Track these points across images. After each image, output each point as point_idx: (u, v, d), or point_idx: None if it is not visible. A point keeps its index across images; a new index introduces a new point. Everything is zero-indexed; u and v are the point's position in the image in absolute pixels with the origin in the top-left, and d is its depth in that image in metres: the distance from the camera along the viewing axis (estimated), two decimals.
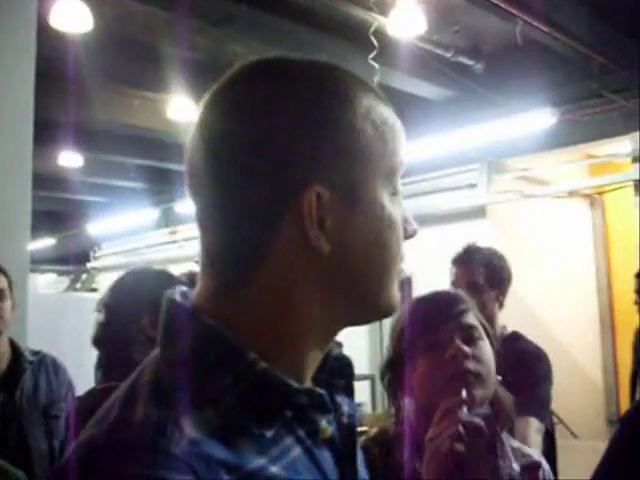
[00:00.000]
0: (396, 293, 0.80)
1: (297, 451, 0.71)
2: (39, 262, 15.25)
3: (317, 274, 0.72)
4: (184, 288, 0.78)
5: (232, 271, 0.73)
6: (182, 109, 6.86)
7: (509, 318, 7.39)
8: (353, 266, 0.74)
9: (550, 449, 2.85)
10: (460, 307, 1.40)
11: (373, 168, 0.75)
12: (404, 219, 0.80)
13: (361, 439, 1.32)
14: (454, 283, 3.06)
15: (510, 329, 3.18)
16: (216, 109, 0.76)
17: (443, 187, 7.96)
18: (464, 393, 1.23)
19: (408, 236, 0.82)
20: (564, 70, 6.18)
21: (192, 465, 0.61)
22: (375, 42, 5.02)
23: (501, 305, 3.09)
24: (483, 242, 7.90)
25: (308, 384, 0.76)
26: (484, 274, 3.08)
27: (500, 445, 1.27)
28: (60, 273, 16.19)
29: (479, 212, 7.83)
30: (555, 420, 6.71)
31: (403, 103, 6.69)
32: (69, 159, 9.05)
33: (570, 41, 5.49)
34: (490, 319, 3.02)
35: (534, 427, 2.71)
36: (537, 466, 1.43)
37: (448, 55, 6.02)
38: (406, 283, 9.45)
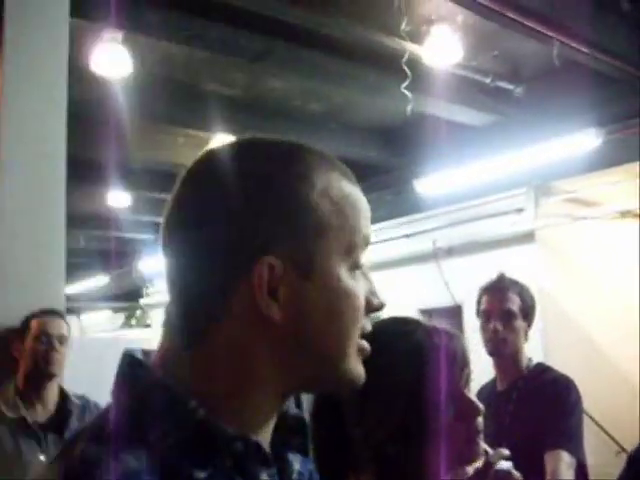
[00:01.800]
0: (356, 366, 0.81)
1: None
2: (95, 299, 15.54)
3: (269, 340, 0.76)
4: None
5: (186, 334, 0.78)
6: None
7: (563, 342, 7.27)
8: (305, 335, 0.77)
9: None
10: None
11: (329, 242, 0.78)
12: (370, 292, 0.83)
13: None
14: (485, 311, 3.00)
15: (535, 360, 3.09)
16: (187, 182, 0.81)
17: (490, 213, 7.88)
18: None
19: (374, 309, 0.84)
20: (607, 89, 6.08)
21: None
22: (408, 71, 5.01)
23: (526, 338, 3.03)
24: (533, 268, 7.83)
25: (261, 441, 0.78)
26: (518, 304, 3.03)
27: None
28: (115, 310, 16.45)
29: (528, 237, 7.72)
30: (606, 437, 6.57)
31: (443, 130, 6.66)
32: (118, 199, 9.22)
33: (611, 59, 5.40)
34: (519, 349, 2.96)
35: (565, 462, 2.63)
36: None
37: (487, 80, 6.00)
38: (456, 312, 9.34)
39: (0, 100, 2.97)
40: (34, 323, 2.84)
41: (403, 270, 9.73)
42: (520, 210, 7.68)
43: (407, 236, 9.23)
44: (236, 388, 0.76)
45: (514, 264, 8.87)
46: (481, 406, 1.24)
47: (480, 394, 3.09)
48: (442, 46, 5.12)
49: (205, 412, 0.73)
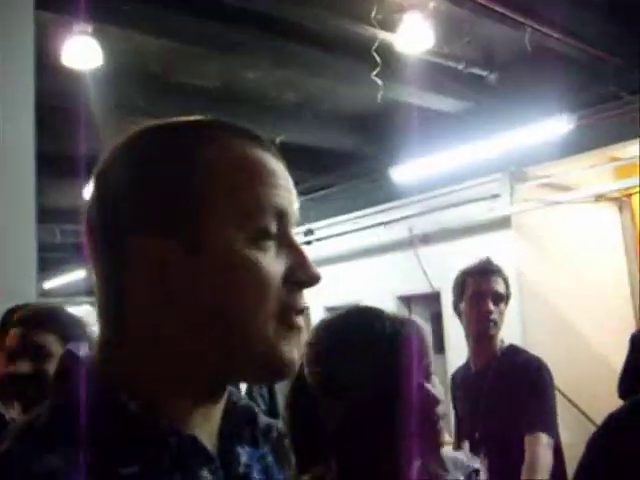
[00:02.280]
0: (279, 347, 0.75)
1: None
2: (74, 294, 15.43)
3: (177, 325, 0.73)
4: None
5: (106, 327, 0.78)
6: None
7: (543, 327, 7.33)
8: (208, 314, 0.73)
9: (559, 463, 2.80)
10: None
11: (216, 212, 0.74)
12: (295, 264, 0.77)
13: None
14: (477, 293, 3.01)
15: (507, 342, 3.12)
16: (98, 174, 0.80)
17: (465, 199, 7.91)
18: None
19: (301, 283, 0.78)
20: (579, 74, 6.11)
21: None
22: (378, 59, 5.01)
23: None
24: (510, 253, 7.86)
25: (203, 435, 0.75)
26: (504, 287, 3.06)
27: None
28: (93, 304, 16.35)
29: (504, 223, 7.76)
30: (582, 417, 6.64)
31: (418, 117, 6.67)
32: None
33: (582, 45, 5.43)
34: (499, 332, 3.00)
35: (544, 444, 2.67)
36: (477, 472, 1.38)
37: (460, 67, 6.00)
38: (434, 298, 9.38)
39: None
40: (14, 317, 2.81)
41: (381, 258, 9.76)
42: (496, 196, 7.71)
43: (383, 224, 9.25)
44: (159, 378, 0.74)
45: (491, 250, 8.92)
46: (439, 397, 1.24)
47: (454, 378, 3.12)
48: (414, 33, 5.12)
49: (137, 406, 0.71)
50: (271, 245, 0.76)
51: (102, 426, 0.69)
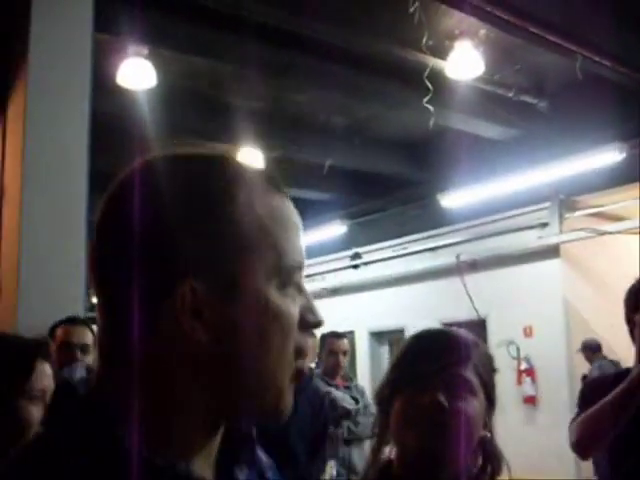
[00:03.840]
0: (286, 396, 0.77)
1: None
2: None
3: (195, 364, 0.72)
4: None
5: (108, 355, 0.76)
6: (250, 158, 6.96)
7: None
8: (231, 358, 0.73)
9: None
10: (458, 355, 1.28)
11: (253, 261, 0.74)
12: (305, 308, 0.78)
13: None
14: None
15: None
16: (111, 202, 0.77)
17: (514, 227, 7.86)
18: None
19: (310, 326, 0.80)
20: (630, 103, 6.04)
21: None
22: (430, 85, 5.02)
23: None
24: (558, 281, 7.74)
25: (200, 462, 0.75)
26: None
27: None
28: None
29: (552, 251, 7.68)
30: None
31: (467, 144, 6.66)
32: None
33: (633, 73, 5.38)
34: None
35: None
36: None
37: (510, 94, 5.99)
38: (479, 326, 9.29)
39: (24, 113, 3.03)
40: (59, 331, 2.82)
41: (427, 284, 9.71)
42: (545, 224, 7.65)
43: (431, 250, 9.22)
44: (162, 413, 0.73)
45: (538, 278, 8.86)
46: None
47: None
48: (464, 60, 5.13)
49: (135, 442, 0.69)
50: (293, 292, 0.78)
51: (94, 460, 0.67)
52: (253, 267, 0.74)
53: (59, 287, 3.00)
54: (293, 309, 0.77)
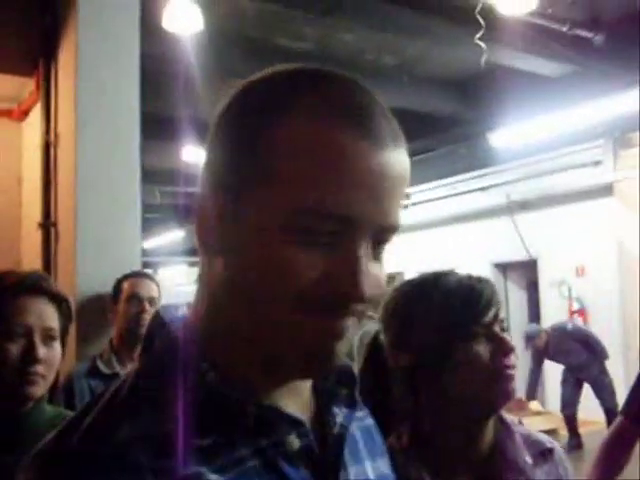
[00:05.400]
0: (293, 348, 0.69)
1: (254, 462, 0.69)
2: (171, 254, 15.83)
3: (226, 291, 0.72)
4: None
5: (198, 291, 0.76)
6: None
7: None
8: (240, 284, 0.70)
9: None
10: (499, 298, 1.29)
11: (268, 194, 0.66)
12: (336, 271, 0.66)
13: None
14: None
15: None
16: (214, 124, 0.76)
17: (566, 166, 7.73)
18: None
19: (341, 293, 0.66)
20: None
21: (117, 469, 0.62)
22: (482, 21, 4.89)
23: None
24: (611, 221, 7.63)
25: (290, 404, 0.74)
26: None
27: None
28: (191, 264, 16.72)
29: (605, 190, 7.55)
30: None
31: (519, 81, 6.51)
32: (192, 154, 9.31)
33: None
34: None
35: None
36: (550, 451, 1.33)
37: (564, 29, 5.82)
38: (531, 266, 9.22)
39: (76, 57, 3.04)
40: (126, 285, 2.89)
41: (477, 224, 9.65)
42: (598, 162, 7.51)
43: (481, 189, 9.13)
44: (233, 345, 0.71)
45: (591, 217, 8.72)
46: (512, 345, 1.24)
47: None
48: None
49: (215, 375, 0.69)
50: (316, 244, 0.66)
51: (180, 396, 0.67)
52: (263, 200, 0.67)
53: (114, 232, 3.04)
54: (292, 262, 0.66)
